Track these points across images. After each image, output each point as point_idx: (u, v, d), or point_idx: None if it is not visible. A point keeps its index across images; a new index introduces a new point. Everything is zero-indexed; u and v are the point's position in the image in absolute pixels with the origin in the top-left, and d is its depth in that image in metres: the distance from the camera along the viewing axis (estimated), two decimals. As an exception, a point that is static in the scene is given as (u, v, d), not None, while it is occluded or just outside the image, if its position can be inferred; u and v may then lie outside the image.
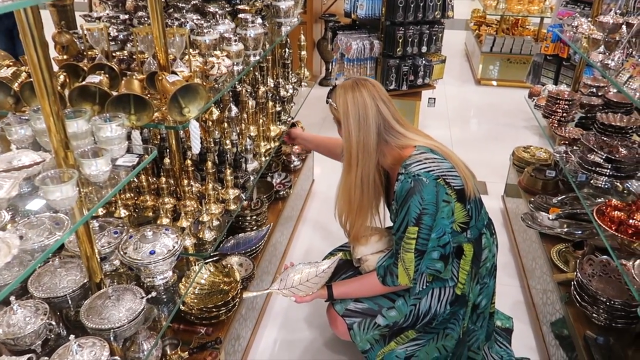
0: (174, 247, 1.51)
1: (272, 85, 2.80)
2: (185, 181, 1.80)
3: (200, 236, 1.77)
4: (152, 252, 1.47)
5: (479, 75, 5.97)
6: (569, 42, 2.67)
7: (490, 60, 5.86)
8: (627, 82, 1.97)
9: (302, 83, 3.20)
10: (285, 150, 3.25)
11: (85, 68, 1.72)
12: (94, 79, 1.55)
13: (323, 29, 5.77)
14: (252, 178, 2.14)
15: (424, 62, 4.15)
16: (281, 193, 2.82)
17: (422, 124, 4.75)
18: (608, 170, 2.06)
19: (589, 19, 2.67)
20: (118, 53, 1.98)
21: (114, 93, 1.55)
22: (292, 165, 3.13)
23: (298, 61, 3.19)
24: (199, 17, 2.21)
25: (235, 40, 2.07)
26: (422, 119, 4.73)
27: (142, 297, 1.34)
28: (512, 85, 5.81)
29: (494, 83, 5.92)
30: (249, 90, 2.76)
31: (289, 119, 2.73)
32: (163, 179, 1.82)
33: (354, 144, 1.69)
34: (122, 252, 1.47)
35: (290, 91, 2.94)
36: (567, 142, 2.49)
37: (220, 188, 1.95)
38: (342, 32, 4.32)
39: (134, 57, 1.89)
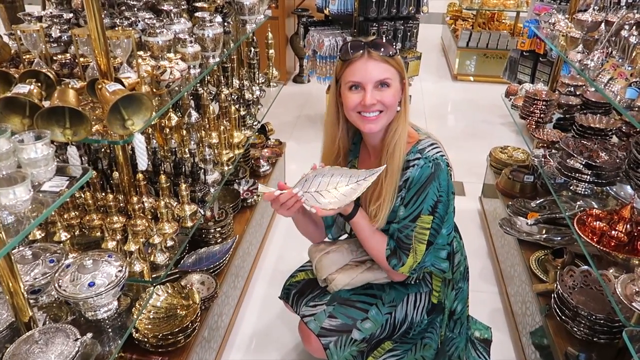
0: (116, 276, 1.35)
1: (237, 87, 2.64)
2: (135, 198, 1.64)
3: (152, 259, 1.61)
4: (92, 284, 1.31)
5: (455, 71, 5.88)
6: (545, 39, 2.57)
7: (466, 56, 5.77)
8: (608, 84, 1.87)
9: (271, 83, 3.05)
10: (254, 154, 3.10)
11: (17, 75, 1.54)
12: (22, 88, 1.37)
13: (296, 23, 5.60)
14: (212, 190, 1.99)
15: (398, 59, 4.02)
16: (249, 201, 2.67)
17: (398, 122, 4.63)
18: (588, 177, 1.96)
19: (567, 15, 2.58)
20: (60, 56, 1.80)
21: (47, 104, 1.38)
22: (261, 170, 2.97)
23: (266, 60, 3.03)
24: (153, 16, 2.04)
25: (191, 42, 1.90)
26: (398, 117, 4.61)
27: (76, 339, 1.19)
28: (488, 80, 5.73)
29: (471, 78, 5.84)
30: (213, 92, 2.60)
31: (255, 124, 2.57)
32: (110, 196, 1.65)
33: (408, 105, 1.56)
34: (57, 285, 1.31)
35: (257, 93, 2.78)
36: (545, 145, 2.40)
37: (175, 204, 1.79)
38: (314, 28, 4.17)
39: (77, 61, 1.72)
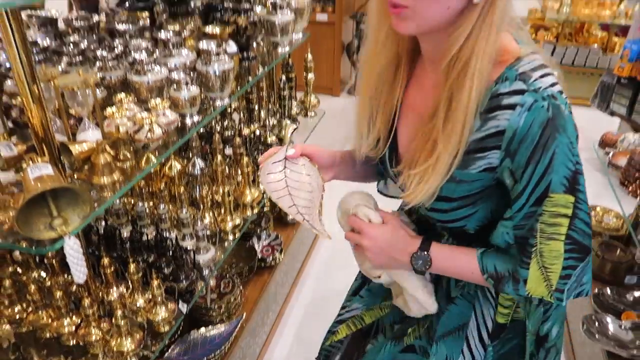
0: None
1: (261, 125, 2.19)
2: (86, 300, 1.22)
3: (96, 392, 1.19)
4: None
5: (532, 89, 5.14)
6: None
7: (547, 72, 5.02)
8: None
9: (308, 113, 2.58)
10: (284, 194, 2.65)
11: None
12: None
13: (354, 29, 5.09)
14: (205, 273, 1.55)
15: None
16: (268, 260, 2.22)
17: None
18: None
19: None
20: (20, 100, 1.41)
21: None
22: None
23: (304, 86, 2.56)
24: (149, 44, 1.62)
25: (187, 82, 1.47)
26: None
27: None
28: (571, 102, 4.97)
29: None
30: (235, 130, 2.16)
31: (279, 171, 2.11)
32: (58, 292, 1.25)
33: None
34: None
35: (291, 128, 2.32)
36: (657, 231, 1.78)
37: (149, 299, 1.37)
38: (370, 40, 3.64)
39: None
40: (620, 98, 3.67)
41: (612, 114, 3.77)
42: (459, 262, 1.00)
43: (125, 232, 1.59)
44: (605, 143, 2.39)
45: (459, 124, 0.84)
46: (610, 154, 2.21)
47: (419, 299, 1.07)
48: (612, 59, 4.87)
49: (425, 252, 0.99)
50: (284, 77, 2.32)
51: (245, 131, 2.07)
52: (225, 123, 2.18)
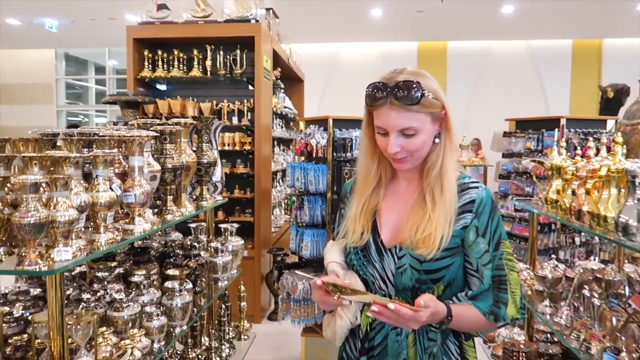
0: None
1: (205, 348, 2.52)
2: None
3: None
4: None
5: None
6: (512, 288, 2.62)
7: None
8: (583, 346, 1.84)
9: (242, 337, 2.94)
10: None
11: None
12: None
13: (271, 262, 5.74)
14: None
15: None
16: None
17: None
18: None
19: (528, 265, 2.69)
20: (15, 338, 1.71)
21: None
22: None
23: (238, 312, 2.98)
24: (122, 287, 2.03)
25: (158, 315, 1.87)
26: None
27: None
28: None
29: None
30: (181, 356, 2.46)
31: (223, 390, 2.38)
32: None
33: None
34: None
35: (227, 351, 2.65)
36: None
37: None
38: (288, 270, 4.25)
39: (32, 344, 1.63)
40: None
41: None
42: (467, 314, 1.32)
43: None
44: (488, 340, 2.95)
45: (448, 203, 1.33)
46: (492, 347, 2.76)
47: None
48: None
49: (450, 318, 1.29)
50: (224, 306, 2.75)
51: (192, 355, 2.37)
52: (170, 351, 2.48)
